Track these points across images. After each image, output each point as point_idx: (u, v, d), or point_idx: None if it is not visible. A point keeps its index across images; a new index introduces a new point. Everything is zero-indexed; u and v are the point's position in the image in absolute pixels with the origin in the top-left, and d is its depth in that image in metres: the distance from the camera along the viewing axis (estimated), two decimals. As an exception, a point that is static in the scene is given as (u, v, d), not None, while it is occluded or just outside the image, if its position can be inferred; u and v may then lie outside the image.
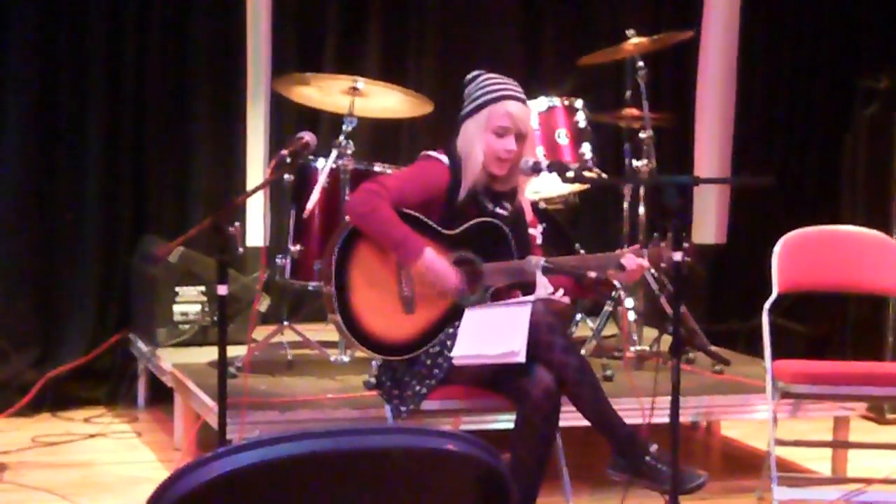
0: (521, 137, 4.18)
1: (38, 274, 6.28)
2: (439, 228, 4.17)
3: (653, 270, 4.96)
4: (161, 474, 5.06)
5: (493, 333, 3.98)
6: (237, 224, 3.83)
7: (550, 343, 3.95)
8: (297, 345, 5.49)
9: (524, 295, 4.13)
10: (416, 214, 4.14)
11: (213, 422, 4.30)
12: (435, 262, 4.08)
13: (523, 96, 4.24)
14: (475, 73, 4.31)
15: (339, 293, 4.10)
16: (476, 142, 4.16)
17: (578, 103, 5.65)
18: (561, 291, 4.05)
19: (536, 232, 4.41)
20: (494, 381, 4.06)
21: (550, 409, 3.94)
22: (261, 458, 1.60)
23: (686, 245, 3.77)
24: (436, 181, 4.18)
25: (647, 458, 3.96)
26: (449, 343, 4.07)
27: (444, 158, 4.22)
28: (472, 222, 4.21)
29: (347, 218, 4.19)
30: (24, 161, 6.24)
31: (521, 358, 3.88)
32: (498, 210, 4.25)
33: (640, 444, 3.98)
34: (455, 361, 4.01)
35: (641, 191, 5.75)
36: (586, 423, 4.10)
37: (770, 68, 7.48)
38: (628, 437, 3.99)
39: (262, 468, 1.60)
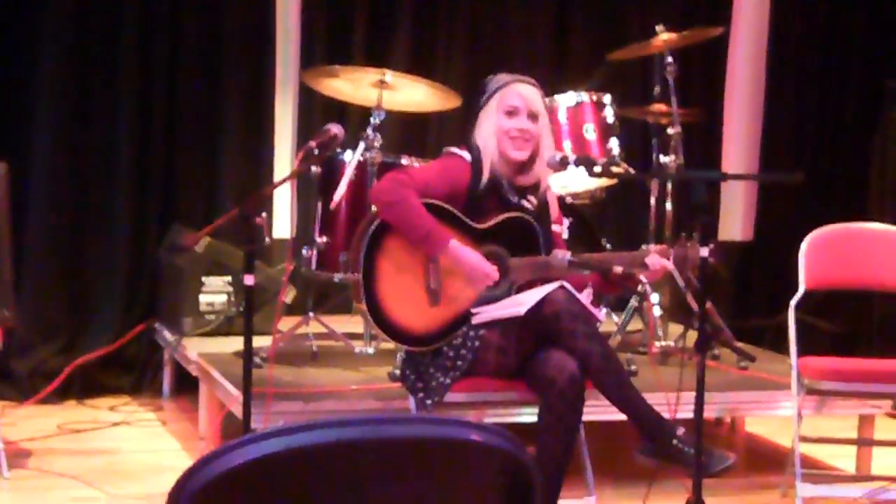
0: (533, 116, 4.20)
1: (67, 263, 6.31)
2: (469, 222, 4.18)
3: (677, 273, 4.97)
4: (185, 463, 5.07)
5: (512, 301, 4.10)
6: (264, 215, 3.84)
7: (573, 331, 3.95)
8: (321, 336, 5.50)
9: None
10: (447, 206, 4.15)
11: (238, 411, 4.31)
12: (460, 251, 4.09)
13: (536, 84, 4.28)
14: (494, 75, 4.36)
15: (365, 282, 4.12)
16: (489, 126, 4.20)
17: (607, 98, 5.64)
18: (603, 311, 4.09)
19: (561, 228, 4.41)
20: (518, 371, 4.08)
21: (575, 397, 3.94)
22: (286, 446, 1.60)
23: (711, 245, 3.77)
24: (458, 177, 4.19)
25: (675, 441, 3.94)
26: (472, 333, 4.08)
27: (466, 155, 4.23)
28: (502, 217, 4.21)
29: (373, 206, 4.20)
30: (56, 153, 6.27)
31: (522, 311, 3.96)
32: (522, 202, 4.26)
33: (667, 427, 3.96)
34: (473, 320, 4.08)
35: (669, 186, 5.74)
36: (609, 417, 4.10)
37: (799, 66, 7.45)
38: (655, 422, 3.97)
39: (287, 456, 1.60)
